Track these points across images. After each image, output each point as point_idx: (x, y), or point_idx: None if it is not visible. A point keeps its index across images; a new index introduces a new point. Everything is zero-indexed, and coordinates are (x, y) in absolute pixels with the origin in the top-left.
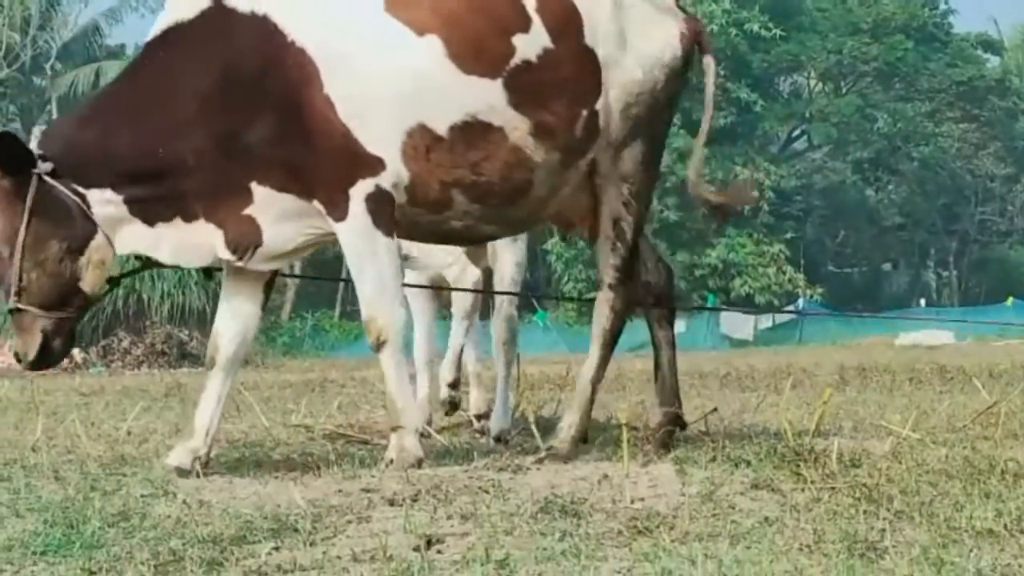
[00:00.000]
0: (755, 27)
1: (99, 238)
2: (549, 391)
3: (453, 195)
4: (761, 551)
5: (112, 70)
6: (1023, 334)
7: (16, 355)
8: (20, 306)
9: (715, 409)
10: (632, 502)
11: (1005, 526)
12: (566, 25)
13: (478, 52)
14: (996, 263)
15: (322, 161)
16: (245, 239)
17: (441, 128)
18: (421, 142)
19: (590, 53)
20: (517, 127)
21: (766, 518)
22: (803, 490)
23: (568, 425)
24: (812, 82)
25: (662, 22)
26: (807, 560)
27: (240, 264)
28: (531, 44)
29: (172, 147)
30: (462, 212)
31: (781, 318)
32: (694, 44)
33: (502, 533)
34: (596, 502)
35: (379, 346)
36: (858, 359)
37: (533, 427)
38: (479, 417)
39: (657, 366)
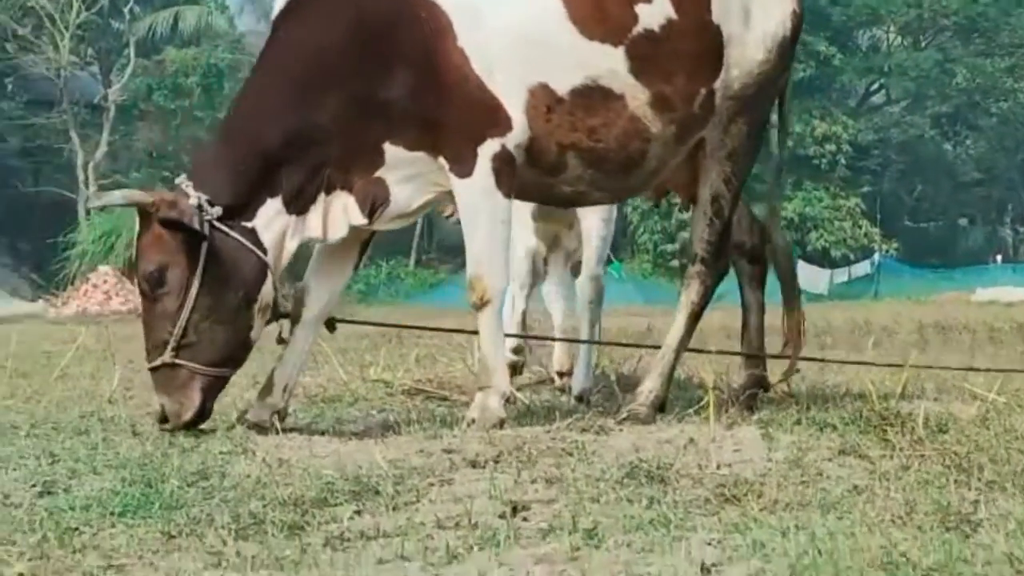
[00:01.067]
0: None
1: (268, 280)
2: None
3: (568, 159)
4: (853, 522)
5: (190, 15)
6: None
7: (162, 416)
8: (178, 361)
9: (798, 369)
10: (718, 467)
11: None
12: None
13: (600, 17)
14: None
15: (457, 115)
16: (376, 201)
17: (562, 89)
18: (542, 102)
19: (715, 29)
20: (637, 96)
21: (855, 486)
22: (891, 457)
23: (648, 391)
24: (891, 36)
25: None
26: (900, 533)
27: (368, 227)
28: (654, 14)
29: (315, 117)
30: (575, 177)
31: (856, 272)
32: (801, 21)
33: (588, 500)
34: (682, 467)
35: (482, 305)
36: (936, 316)
37: (615, 386)
38: (561, 374)
39: (745, 326)
